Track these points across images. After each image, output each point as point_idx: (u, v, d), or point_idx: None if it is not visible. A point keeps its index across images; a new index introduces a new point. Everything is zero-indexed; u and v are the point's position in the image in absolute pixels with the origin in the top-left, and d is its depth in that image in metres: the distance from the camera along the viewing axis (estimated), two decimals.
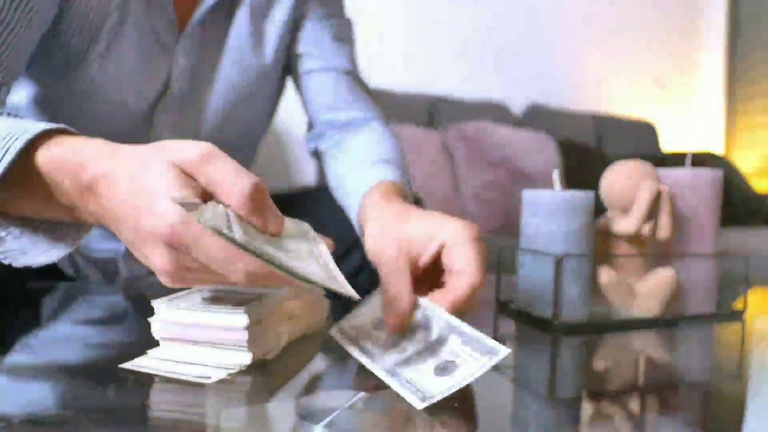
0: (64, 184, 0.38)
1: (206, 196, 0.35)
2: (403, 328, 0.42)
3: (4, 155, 0.38)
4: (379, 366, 0.38)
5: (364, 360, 0.40)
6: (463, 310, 0.41)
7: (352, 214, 0.63)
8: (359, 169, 0.67)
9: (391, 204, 0.54)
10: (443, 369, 0.35)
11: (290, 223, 0.40)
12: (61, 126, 0.40)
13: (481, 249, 0.44)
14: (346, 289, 0.35)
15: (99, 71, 0.62)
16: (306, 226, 0.42)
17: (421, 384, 0.34)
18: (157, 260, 0.34)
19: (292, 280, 0.33)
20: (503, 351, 0.34)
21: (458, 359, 0.36)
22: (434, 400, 0.32)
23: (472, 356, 0.36)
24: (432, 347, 0.38)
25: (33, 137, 0.38)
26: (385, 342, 0.42)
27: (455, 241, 0.43)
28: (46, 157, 0.38)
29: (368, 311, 0.47)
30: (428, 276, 0.46)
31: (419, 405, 0.32)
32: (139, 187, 0.34)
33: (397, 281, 0.43)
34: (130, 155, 0.36)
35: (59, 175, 0.38)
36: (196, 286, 0.38)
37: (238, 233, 0.32)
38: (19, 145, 0.38)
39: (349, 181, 0.67)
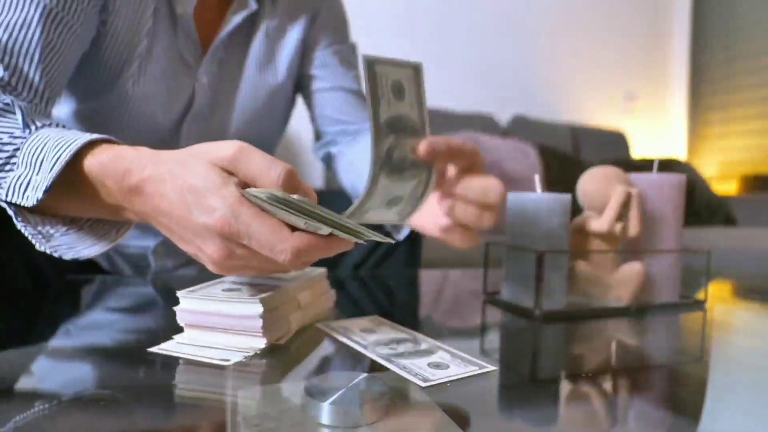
0: (110, 187, 0.38)
1: (245, 186, 0.35)
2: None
3: (55, 163, 0.38)
4: (375, 355, 0.38)
5: (359, 348, 0.40)
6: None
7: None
8: None
9: None
10: (436, 366, 0.35)
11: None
12: (106, 136, 0.41)
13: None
14: (382, 237, 0.36)
15: (132, 89, 0.62)
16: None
17: (417, 371, 0.34)
18: (210, 250, 0.34)
19: (341, 238, 0.34)
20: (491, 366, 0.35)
21: (450, 363, 0.36)
22: (435, 383, 0.32)
23: (460, 365, 0.36)
24: (421, 353, 0.39)
25: (81, 146, 0.39)
26: (376, 340, 0.42)
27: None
28: (93, 163, 0.39)
29: (356, 323, 0.47)
30: None
31: (422, 385, 0.32)
32: (186, 186, 0.34)
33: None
34: (171, 159, 0.36)
35: (106, 178, 0.38)
36: (243, 274, 0.38)
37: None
38: (69, 153, 0.38)
39: (364, 163, 0.67)
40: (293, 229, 0.34)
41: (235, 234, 0.33)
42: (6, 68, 0.48)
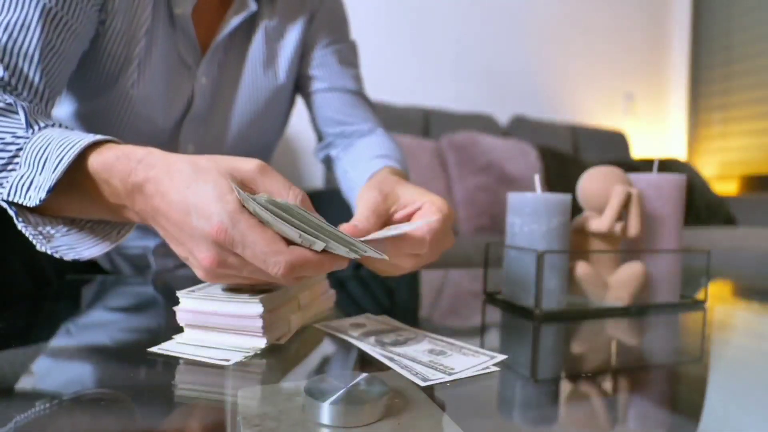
0: (114, 185, 0.38)
1: None
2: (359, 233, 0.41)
3: (59, 163, 0.38)
4: (377, 354, 0.38)
5: (361, 345, 0.40)
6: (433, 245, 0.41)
7: (354, 199, 0.63)
8: (363, 162, 0.67)
9: (389, 176, 0.54)
10: (438, 358, 0.36)
11: None
12: (109, 137, 0.41)
13: (447, 222, 0.43)
14: (379, 253, 0.36)
15: (131, 90, 0.62)
16: None
17: (418, 370, 0.34)
18: (201, 255, 0.34)
19: (335, 256, 0.34)
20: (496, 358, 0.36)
21: (453, 353, 0.36)
22: (434, 382, 0.32)
23: (464, 354, 0.36)
24: (424, 345, 0.39)
25: (86, 146, 0.39)
26: (378, 339, 0.42)
27: (431, 209, 0.43)
28: (98, 162, 0.39)
29: (356, 320, 0.48)
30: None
31: (421, 384, 0.32)
32: (192, 190, 0.34)
33: (366, 205, 0.43)
34: (183, 161, 0.36)
35: (111, 176, 0.38)
36: (230, 282, 0.38)
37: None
38: (73, 153, 0.38)
39: (354, 172, 0.67)
40: (289, 243, 0.34)
41: (230, 242, 0.33)
42: (6, 68, 0.48)
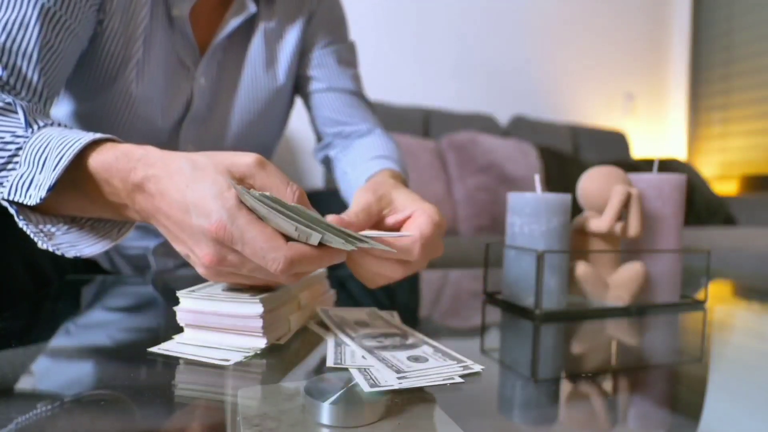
0: (115, 184, 0.38)
1: None
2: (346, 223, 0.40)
3: (59, 162, 0.38)
4: (357, 345, 0.38)
5: (344, 338, 0.40)
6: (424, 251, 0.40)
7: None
8: (362, 163, 0.67)
9: (387, 179, 0.53)
10: (416, 359, 0.36)
11: None
12: (109, 135, 0.41)
13: (438, 231, 0.42)
14: (375, 243, 0.36)
15: (129, 91, 0.62)
16: None
17: (394, 363, 0.34)
18: (202, 253, 0.34)
19: (334, 249, 0.34)
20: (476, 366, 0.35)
21: (430, 357, 0.36)
22: (380, 389, 0.30)
23: (440, 359, 0.36)
24: (405, 347, 0.39)
25: (86, 145, 0.39)
26: (365, 332, 0.42)
27: (422, 217, 0.42)
28: (98, 161, 0.39)
29: (353, 313, 0.48)
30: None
31: (367, 389, 0.30)
32: (192, 188, 0.34)
33: (358, 204, 0.42)
34: (182, 159, 0.36)
35: (111, 176, 0.38)
36: (231, 281, 0.38)
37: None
38: (73, 152, 0.38)
39: (353, 173, 0.68)
40: (288, 240, 0.34)
41: (229, 239, 0.33)
42: (4, 68, 0.48)
